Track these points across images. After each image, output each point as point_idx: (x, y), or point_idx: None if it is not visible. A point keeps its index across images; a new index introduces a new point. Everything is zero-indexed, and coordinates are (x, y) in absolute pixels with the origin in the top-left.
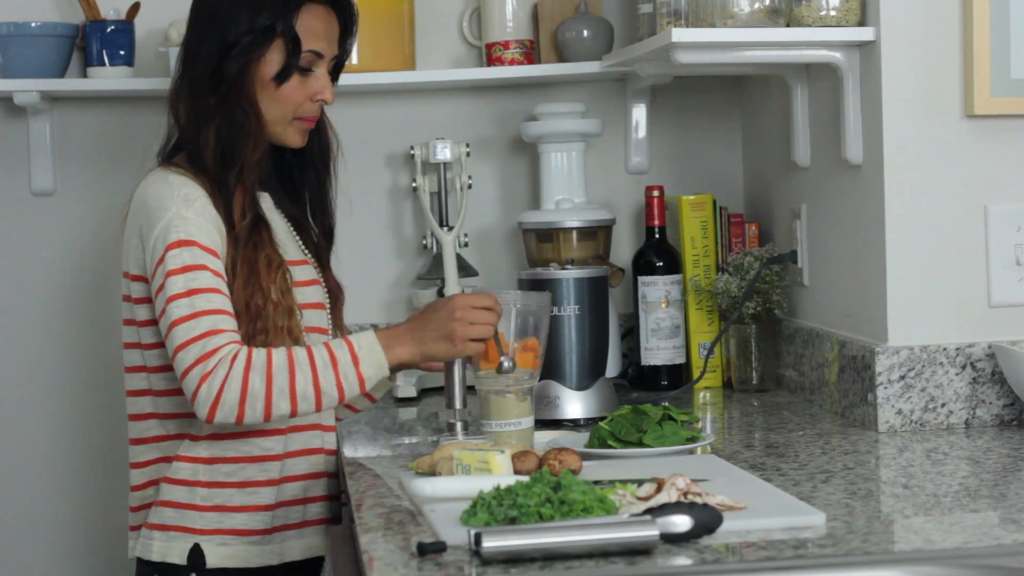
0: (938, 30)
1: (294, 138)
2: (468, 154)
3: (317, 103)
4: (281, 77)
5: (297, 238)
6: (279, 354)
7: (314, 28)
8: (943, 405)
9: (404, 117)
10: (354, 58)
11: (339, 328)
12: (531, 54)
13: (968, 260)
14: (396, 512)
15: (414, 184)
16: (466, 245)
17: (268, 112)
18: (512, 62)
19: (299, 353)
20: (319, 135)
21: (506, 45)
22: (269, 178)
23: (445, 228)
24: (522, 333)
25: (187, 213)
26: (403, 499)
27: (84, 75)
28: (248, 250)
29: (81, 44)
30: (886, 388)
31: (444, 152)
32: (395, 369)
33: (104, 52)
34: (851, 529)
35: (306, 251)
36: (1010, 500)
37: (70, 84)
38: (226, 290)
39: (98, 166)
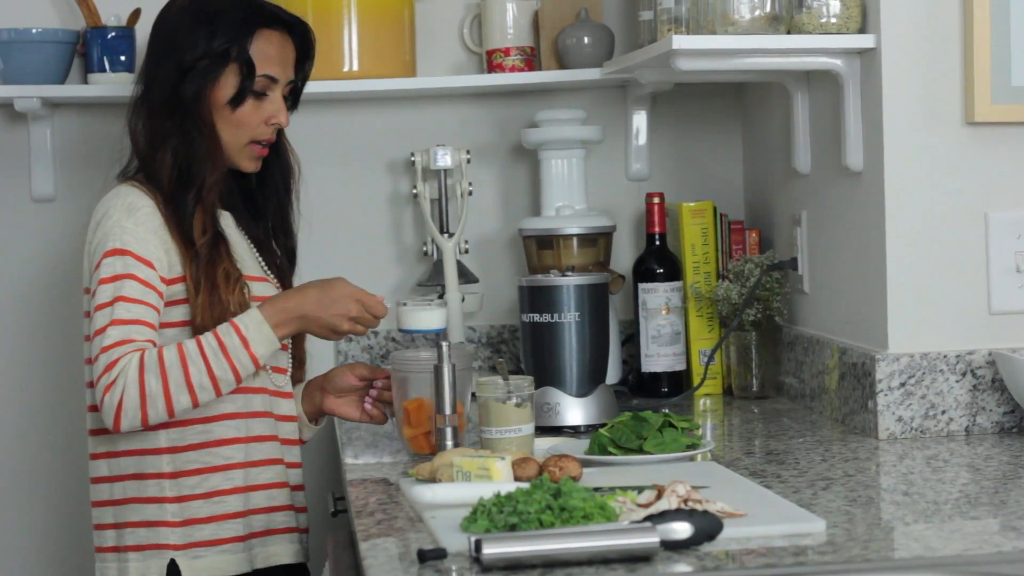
0: (939, 37)
1: (247, 163)
2: (468, 161)
3: (272, 127)
4: (236, 101)
5: (258, 256)
6: (170, 351)
7: (268, 53)
8: (943, 412)
9: (404, 124)
10: (355, 64)
11: (299, 350)
12: (532, 61)
13: (968, 267)
14: (396, 519)
15: (414, 191)
16: (466, 252)
17: (224, 135)
18: (513, 69)
19: (189, 346)
20: (279, 159)
21: (507, 52)
22: (232, 198)
23: (446, 235)
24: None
25: (127, 223)
26: (403, 506)
27: (85, 81)
28: (208, 266)
29: (82, 50)
30: (886, 395)
31: (444, 159)
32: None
33: (105, 58)
34: (851, 536)
35: (267, 270)
36: (1010, 507)
37: (71, 90)
38: (153, 300)
39: (99, 172)
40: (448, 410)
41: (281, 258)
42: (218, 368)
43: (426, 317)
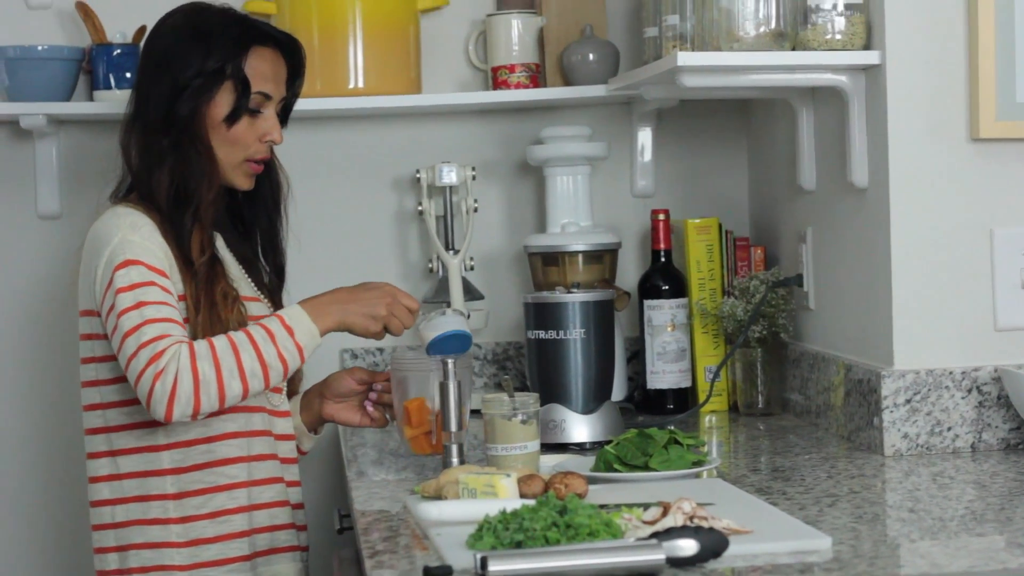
0: (943, 54)
1: (242, 180)
2: (474, 177)
3: (266, 144)
4: (232, 118)
5: (248, 277)
6: (220, 339)
7: (262, 70)
8: (949, 429)
9: (410, 140)
10: (360, 81)
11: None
12: (537, 77)
13: (974, 284)
14: (402, 536)
15: (420, 208)
16: (472, 269)
17: (219, 153)
18: (518, 85)
19: (238, 335)
20: (269, 176)
21: (512, 68)
22: (220, 218)
23: (451, 252)
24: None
25: (133, 237)
26: (409, 523)
27: (90, 98)
28: (206, 285)
29: (87, 67)
30: (892, 412)
31: (450, 175)
32: (322, 335)
33: (111, 75)
34: (857, 553)
35: (257, 289)
36: (1016, 524)
37: (76, 107)
38: (175, 304)
39: (104, 189)
40: (454, 427)
41: (271, 276)
42: (268, 355)
43: (449, 322)
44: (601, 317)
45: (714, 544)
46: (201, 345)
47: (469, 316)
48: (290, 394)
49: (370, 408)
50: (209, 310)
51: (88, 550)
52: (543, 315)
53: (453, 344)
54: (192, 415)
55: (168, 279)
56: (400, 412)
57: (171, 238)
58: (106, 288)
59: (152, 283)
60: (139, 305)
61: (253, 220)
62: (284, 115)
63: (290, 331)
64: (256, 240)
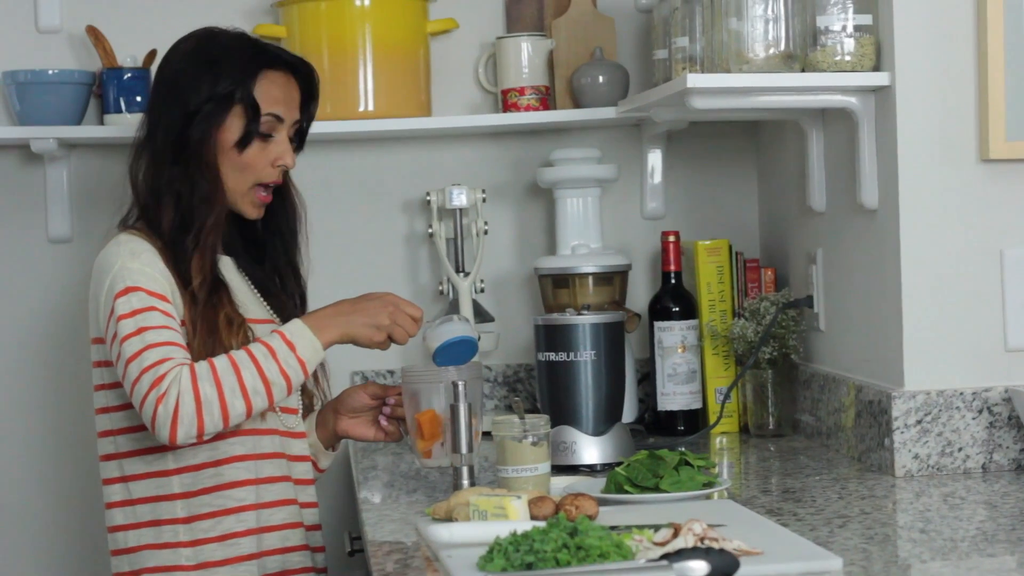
0: (953, 74)
1: (250, 210)
2: (484, 200)
3: (278, 168)
4: (243, 143)
5: (261, 299)
6: (220, 359)
7: (272, 93)
8: (960, 449)
9: (420, 163)
10: (370, 104)
11: (320, 392)
12: (547, 100)
13: (984, 304)
14: (413, 558)
15: (430, 230)
16: (482, 291)
17: (228, 179)
18: (528, 108)
19: (239, 353)
20: (285, 202)
21: (522, 91)
22: (233, 241)
23: (461, 274)
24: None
25: (132, 264)
26: (420, 545)
27: (101, 122)
28: (207, 310)
29: (98, 91)
30: (903, 433)
31: (460, 198)
32: (325, 347)
33: (121, 99)
34: (868, 574)
35: (271, 311)
36: None
37: (87, 131)
38: (178, 328)
39: (115, 213)
40: (465, 449)
41: (287, 300)
42: (270, 372)
43: (454, 328)
44: (611, 339)
45: (725, 565)
46: (202, 366)
47: (480, 338)
48: (308, 410)
49: (384, 422)
50: (209, 335)
51: (105, 572)
52: (553, 337)
53: (460, 350)
54: (197, 436)
55: (170, 303)
56: (412, 425)
57: (172, 263)
58: (108, 316)
59: (153, 308)
60: (140, 331)
61: (271, 246)
62: (300, 140)
63: (292, 346)
64: (272, 264)
